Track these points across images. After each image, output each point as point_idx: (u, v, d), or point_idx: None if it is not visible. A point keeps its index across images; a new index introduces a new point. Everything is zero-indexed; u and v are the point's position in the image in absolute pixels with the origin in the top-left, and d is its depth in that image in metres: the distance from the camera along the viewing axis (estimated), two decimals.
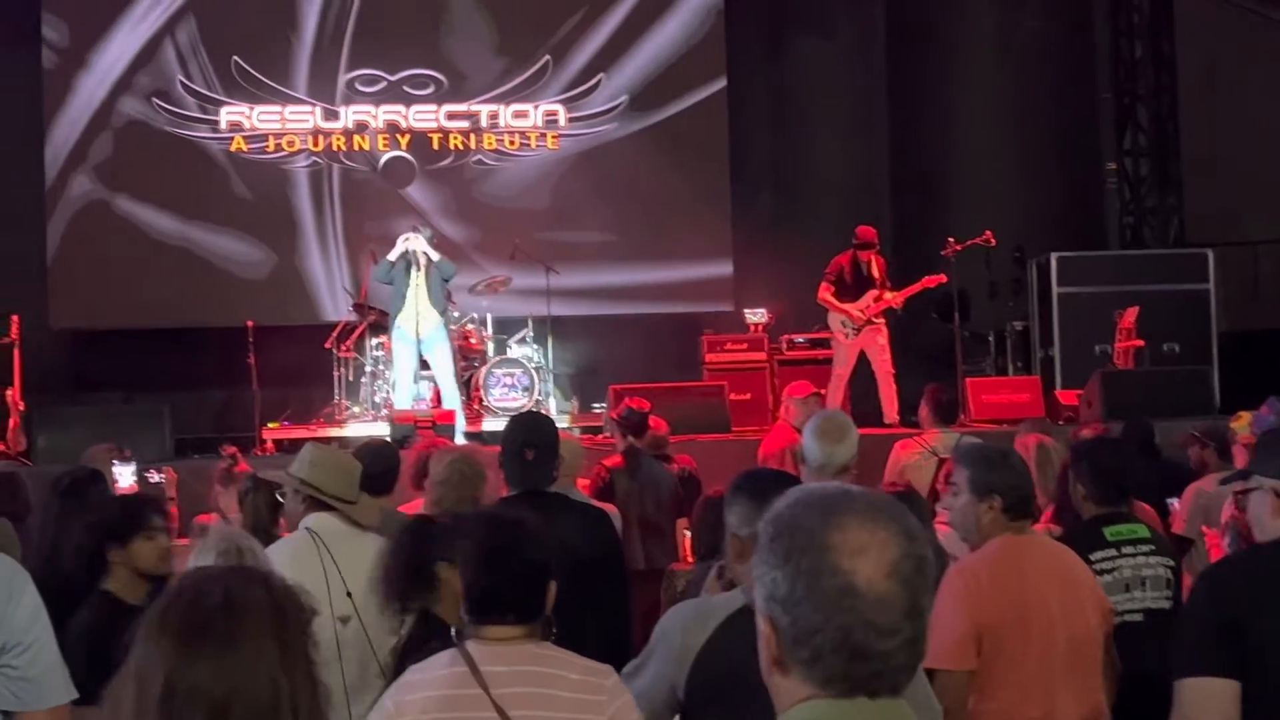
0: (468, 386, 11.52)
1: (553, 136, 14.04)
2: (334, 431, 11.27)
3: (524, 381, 11.62)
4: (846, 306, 11.04)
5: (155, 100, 13.51)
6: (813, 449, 4.47)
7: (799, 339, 12.39)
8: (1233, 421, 6.58)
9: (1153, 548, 4.42)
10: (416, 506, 5.33)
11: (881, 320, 11.14)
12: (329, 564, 4.09)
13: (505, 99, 13.94)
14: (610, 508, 5.74)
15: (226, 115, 13.62)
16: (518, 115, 13.98)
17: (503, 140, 13.98)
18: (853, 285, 11.06)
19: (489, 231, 13.59)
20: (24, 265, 13.09)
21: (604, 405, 11.17)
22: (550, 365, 12.47)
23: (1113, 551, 4.35)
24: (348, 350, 12.03)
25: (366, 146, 13.85)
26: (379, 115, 13.84)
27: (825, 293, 11.11)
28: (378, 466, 5.16)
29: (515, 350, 12.09)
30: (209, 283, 13.35)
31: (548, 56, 13.99)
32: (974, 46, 13.94)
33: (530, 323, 12.42)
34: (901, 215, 14.08)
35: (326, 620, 3.76)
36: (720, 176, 14.06)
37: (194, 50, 13.57)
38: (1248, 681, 2.71)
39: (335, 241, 13.73)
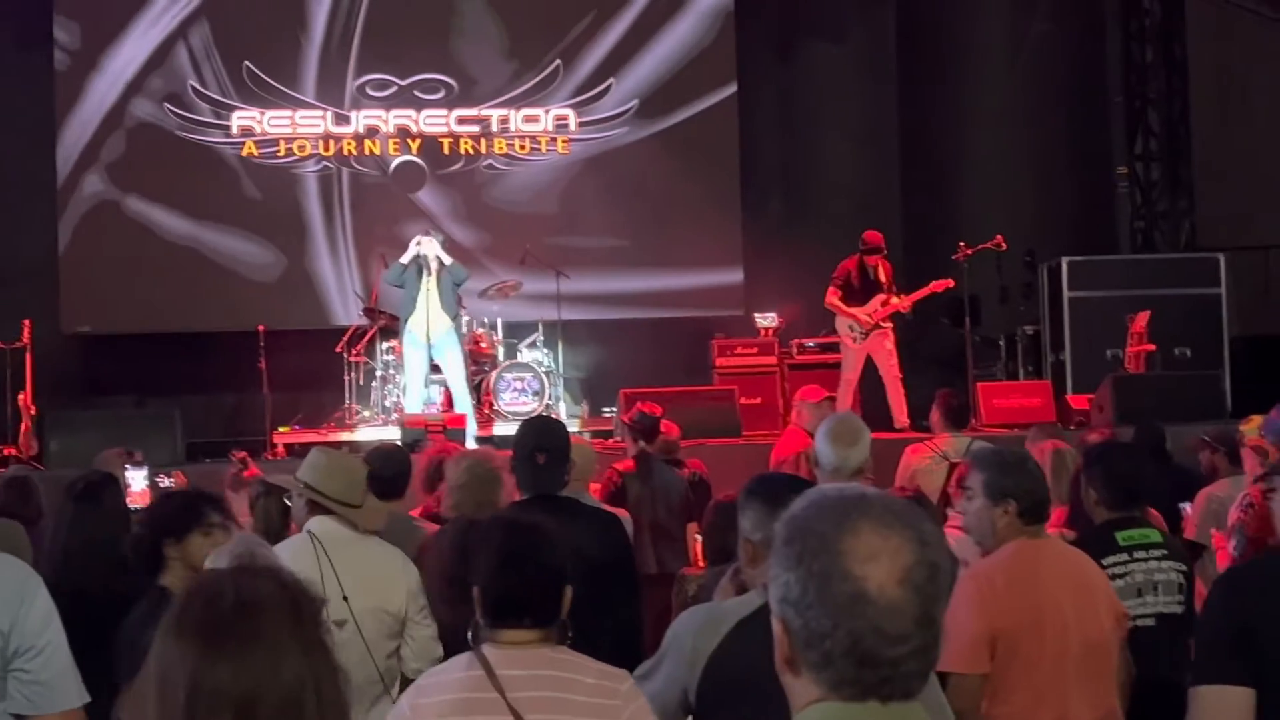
0: (478, 391, 11.52)
1: (563, 141, 14.02)
2: (345, 436, 11.27)
3: (534, 386, 11.64)
4: (853, 311, 11.03)
5: (167, 105, 13.53)
6: (826, 452, 4.47)
7: (809, 343, 12.36)
8: (1242, 425, 6.57)
9: (1165, 552, 4.42)
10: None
11: (889, 325, 11.12)
12: (326, 568, 4.08)
13: (515, 103, 13.93)
14: (622, 512, 5.74)
15: (238, 120, 13.62)
16: (528, 120, 13.96)
17: (513, 145, 13.97)
18: (860, 290, 11.05)
19: (499, 236, 13.58)
20: (35, 270, 13.11)
21: (614, 410, 11.16)
22: (560, 370, 12.46)
23: (1125, 556, 4.34)
24: (358, 354, 12.05)
25: (377, 151, 13.86)
26: (389, 120, 13.85)
27: (832, 297, 11.11)
28: (389, 471, 5.18)
29: (525, 355, 12.08)
30: (220, 286, 13.35)
31: (558, 61, 13.98)
32: (984, 50, 13.92)
33: (540, 327, 12.42)
34: (912, 219, 14.05)
35: None
36: (730, 181, 14.03)
37: (207, 54, 13.58)
38: (1262, 690, 2.68)
39: (345, 246, 13.73)
